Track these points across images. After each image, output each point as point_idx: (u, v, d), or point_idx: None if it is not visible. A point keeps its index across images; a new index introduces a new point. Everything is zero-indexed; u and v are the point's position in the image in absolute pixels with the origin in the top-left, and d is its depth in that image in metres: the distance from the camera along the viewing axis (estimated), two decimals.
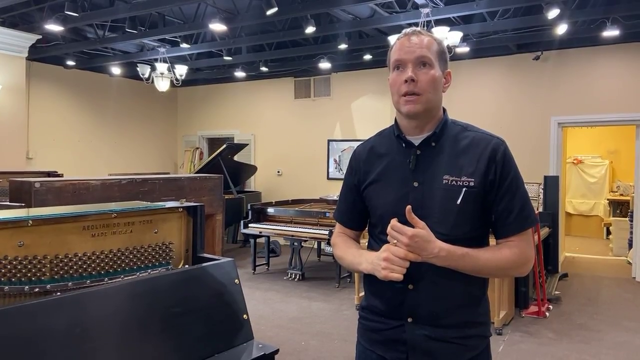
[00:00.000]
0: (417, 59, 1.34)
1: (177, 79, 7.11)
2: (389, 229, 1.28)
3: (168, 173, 8.33)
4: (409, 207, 1.28)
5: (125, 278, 1.46)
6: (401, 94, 1.36)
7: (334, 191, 8.09)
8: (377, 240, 1.43)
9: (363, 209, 1.50)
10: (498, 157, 1.34)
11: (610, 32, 5.52)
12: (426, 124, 1.39)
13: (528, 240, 1.36)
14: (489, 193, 1.34)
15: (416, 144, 1.40)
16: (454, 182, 1.33)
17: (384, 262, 1.27)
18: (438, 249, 1.27)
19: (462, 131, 1.41)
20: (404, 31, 1.42)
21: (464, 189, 1.33)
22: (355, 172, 1.51)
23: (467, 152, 1.36)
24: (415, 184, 1.36)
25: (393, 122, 1.47)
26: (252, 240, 6.75)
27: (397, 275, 1.25)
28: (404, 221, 1.33)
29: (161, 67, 6.85)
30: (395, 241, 1.27)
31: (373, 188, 1.45)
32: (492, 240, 1.43)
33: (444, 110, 1.44)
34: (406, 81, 1.34)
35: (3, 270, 1.24)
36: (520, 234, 1.35)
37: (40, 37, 6.53)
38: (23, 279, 1.27)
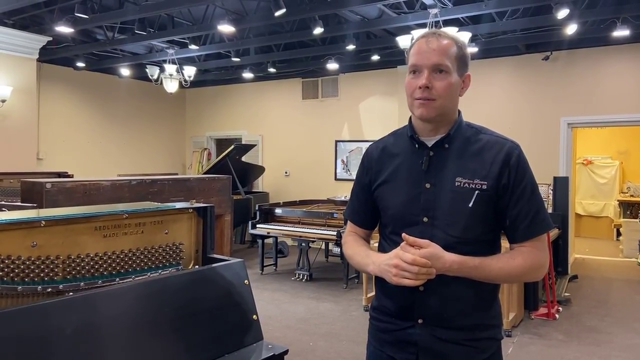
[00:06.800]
0: (433, 65, 1.31)
1: (185, 80, 7.15)
2: (400, 263, 1.27)
3: (176, 174, 8.37)
4: (404, 234, 1.28)
5: (136, 278, 1.47)
6: (415, 98, 1.35)
7: (342, 192, 8.09)
8: (388, 241, 1.43)
9: (375, 208, 1.49)
10: (512, 162, 1.33)
11: (621, 32, 5.48)
12: (440, 126, 1.38)
13: (542, 246, 1.34)
14: (502, 197, 1.33)
15: (429, 145, 1.39)
16: (466, 185, 1.32)
17: (394, 268, 1.26)
18: (449, 263, 1.27)
19: (476, 134, 1.40)
20: (424, 31, 1.41)
21: (476, 192, 1.32)
22: (367, 171, 1.50)
23: (481, 155, 1.35)
24: (427, 186, 1.36)
25: (400, 123, 1.46)
26: (259, 241, 6.77)
27: (409, 281, 1.25)
28: (413, 222, 1.34)
29: (170, 68, 6.89)
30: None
31: (384, 188, 1.44)
32: (504, 243, 1.42)
33: (459, 112, 1.43)
34: (420, 87, 1.32)
35: (16, 271, 1.25)
36: (534, 239, 1.33)
37: (50, 39, 6.58)
38: (36, 279, 1.28)
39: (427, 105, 1.33)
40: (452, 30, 4.87)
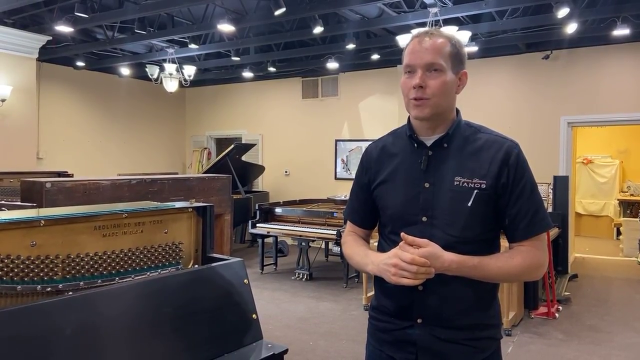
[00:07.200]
0: (426, 65, 1.32)
1: (185, 80, 7.14)
2: (399, 262, 1.26)
3: (176, 173, 8.35)
4: (403, 234, 1.27)
5: (136, 278, 1.46)
6: (410, 98, 1.35)
7: (342, 191, 8.09)
8: (387, 240, 1.43)
9: (374, 208, 1.49)
10: (511, 161, 1.32)
11: (621, 31, 5.48)
12: (438, 125, 1.38)
13: (541, 245, 1.34)
14: (501, 196, 1.33)
15: (428, 145, 1.39)
16: (465, 184, 1.32)
17: (393, 268, 1.26)
18: (448, 263, 1.26)
19: (475, 133, 1.39)
20: (417, 31, 1.40)
21: (475, 191, 1.31)
22: (367, 170, 1.50)
23: (480, 154, 1.35)
24: (427, 185, 1.36)
25: (400, 122, 1.46)
26: (260, 240, 6.77)
27: (408, 281, 1.24)
28: (412, 222, 1.33)
29: (170, 67, 6.89)
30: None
31: (383, 188, 1.44)
32: (504, 242, 1.42)
33: (458, 111, 1.43)
34: (414, 87, 1.33)
35: (16, 270, 1.25)
36: (533, 239, 1.33)
37: (50, 38, 6.58)
38: (35, 279, 1.28)
39: (422, 105, 1.33)
40: (452, 30, 4.87)
